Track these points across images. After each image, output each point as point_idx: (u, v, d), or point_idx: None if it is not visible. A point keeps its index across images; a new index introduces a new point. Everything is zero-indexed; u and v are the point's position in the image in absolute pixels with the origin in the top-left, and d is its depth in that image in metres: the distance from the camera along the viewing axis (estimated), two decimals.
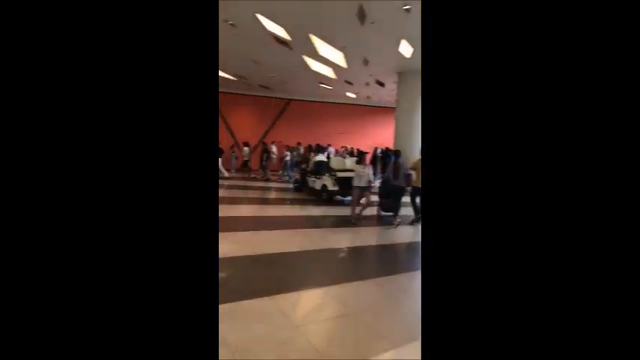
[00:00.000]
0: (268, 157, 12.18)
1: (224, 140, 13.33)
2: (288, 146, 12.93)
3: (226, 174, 11.59)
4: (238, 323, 2.41)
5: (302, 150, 12.71)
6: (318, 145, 10.78)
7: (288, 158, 12.32)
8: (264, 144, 12.81)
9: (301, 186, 9.36)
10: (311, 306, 2.89)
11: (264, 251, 4.14)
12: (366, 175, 6.04)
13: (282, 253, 4.15)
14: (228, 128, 14.57)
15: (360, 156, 6.44)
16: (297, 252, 4.25)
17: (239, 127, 14.68)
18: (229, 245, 4.30)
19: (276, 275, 3.41)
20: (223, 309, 2.58)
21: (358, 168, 6.07)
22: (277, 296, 2.88)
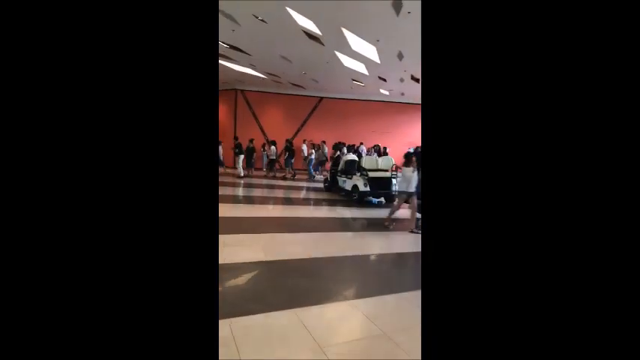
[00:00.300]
0: (291, 156, 12.02)
1: (257, 139, 13.32)
2: (312, 144, 12.68)
3: (242, 173, 11.48)
4: (256, 341, 2.17)
5: (326, 148, 12.46)
6: (339, 143, 10.57)
7: (312, 157, 12.07)
8: (288, 142, 12.64)
9: (331, 186, 9.09)
10: (338, 323, 2.59)
11: (287, 256, 3.90)
12: (414, 178, 5.30)
13: (308, 259, 3.89)
14: (260, 127, 14.58)
15: (407, 157, 5.50)
16: (324, 258, 3.97)
17: (270, 126, 14.65)
18: (250, 249, 4.11)
19: (301, 285, 3.14)
20: (240, 323, 2.35)
21: (408, 171, 5.33)
22: (301, 310, 2.61)
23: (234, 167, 12.08)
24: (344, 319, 2.63)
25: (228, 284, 3.08)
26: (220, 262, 3.54)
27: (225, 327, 2.27)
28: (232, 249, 4.01)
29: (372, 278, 3.57)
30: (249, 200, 7.90)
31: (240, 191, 9.00)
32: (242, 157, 11.51)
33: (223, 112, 14.59)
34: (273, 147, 12.29)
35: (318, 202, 7.92)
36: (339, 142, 10.82)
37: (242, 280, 3.22)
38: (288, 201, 8.14)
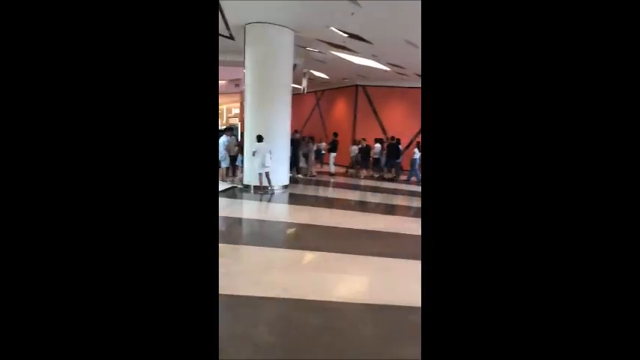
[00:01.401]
0: (394, 155, 10.85)
1: (371, 135, 12.55)
2: (418, 142, 11.00)
3: (332, 170, 11.19)
4: None
5: None
6: None
7: (416, 156, 10.46)
8: (391, 139, 11.35)
9: None
10: None
11: (401, 300, 2.94)
12: None
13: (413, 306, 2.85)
14: (380, 124, 13.71)
15: None
16: None
17: (392, 123, 13.59)
18: (352, 277, 3.30)
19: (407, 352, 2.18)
20: None
21: None
22: None
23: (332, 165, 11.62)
24: None
25: (309, 338, 2.35)
26: (312, 297, 2.84)
27: None
28: (331, 277, 3.31)
29: None
30: (352, 206, 7.13)
31: (342, 194, 8.35)
32: (333, 154, 11.27)
33: (343, 110, 14.28)
34: (377, 145, 11.29)
35: None
36: None
37: (332, 333, 2.44)
38: (403, 211, 7.07)
